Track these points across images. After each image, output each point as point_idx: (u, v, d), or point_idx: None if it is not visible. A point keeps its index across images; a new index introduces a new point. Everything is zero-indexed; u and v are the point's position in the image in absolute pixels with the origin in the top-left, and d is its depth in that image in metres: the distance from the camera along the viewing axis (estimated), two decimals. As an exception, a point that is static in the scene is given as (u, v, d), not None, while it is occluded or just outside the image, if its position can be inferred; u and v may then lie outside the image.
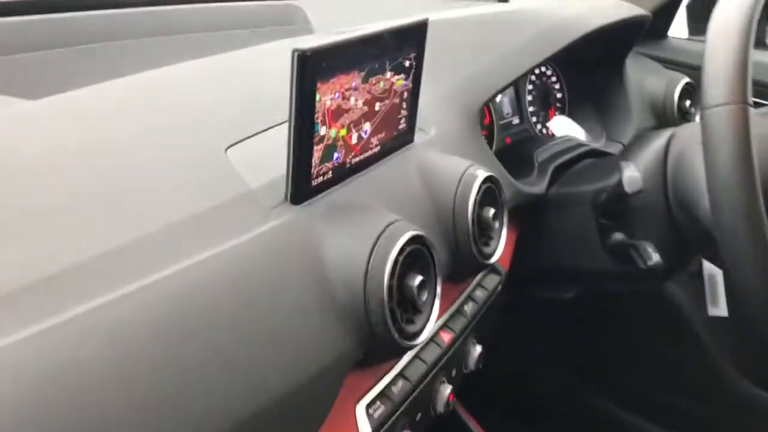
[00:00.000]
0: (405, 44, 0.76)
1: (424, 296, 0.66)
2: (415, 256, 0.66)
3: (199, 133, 0.67)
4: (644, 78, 1.35)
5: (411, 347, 0.65)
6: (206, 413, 0.49)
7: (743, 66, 0.78)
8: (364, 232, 0.63)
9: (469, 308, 0.83)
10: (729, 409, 1.35)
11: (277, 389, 0.54)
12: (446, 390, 0.80)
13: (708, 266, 1.18)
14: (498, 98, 1.19)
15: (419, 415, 0.77)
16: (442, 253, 0.77)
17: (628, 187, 0.89)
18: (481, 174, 0.79)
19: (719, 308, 1.16)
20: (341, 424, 0.62)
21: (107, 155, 0.58)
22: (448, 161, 0.81)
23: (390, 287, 0.61)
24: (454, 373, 0.84)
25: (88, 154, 0.58)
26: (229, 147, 0.66)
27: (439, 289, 0.69)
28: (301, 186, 0.65)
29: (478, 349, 0.87)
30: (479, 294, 0.86)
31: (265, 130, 0.70)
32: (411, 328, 0.65)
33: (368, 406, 0.65)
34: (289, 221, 0.63)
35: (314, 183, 0.67)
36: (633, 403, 1.45)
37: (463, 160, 0.81)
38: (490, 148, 1.17)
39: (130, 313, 0.48)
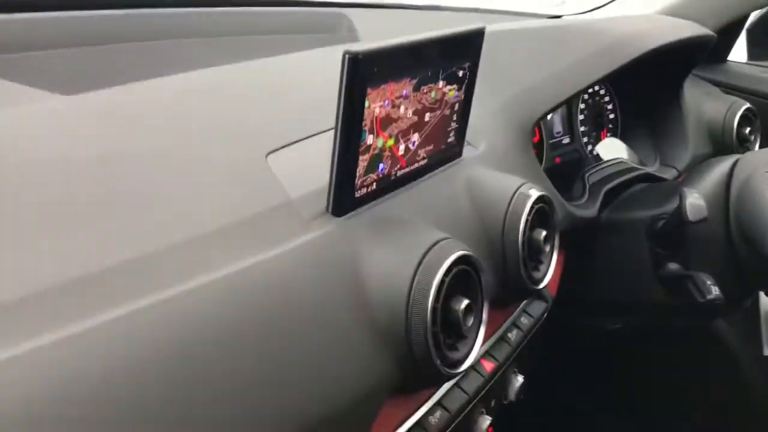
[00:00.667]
0: (459, 53, 0.72)
1: (470, 321, 0.61)
2: (462, 277, 0.62)
3: (239, 139, 0.63)
4: (702, 102, 1.29)
5: (453, 376, 0.60)
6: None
7: None
8: (409, 250, 0.59)
9: (513, 336, 0.78)
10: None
11: (307, 417, 0.50)
12: (485, 422, 0.75)
13: (766, 302, 1.11)
14: (549, 116, 1.14)
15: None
16: (489, 276, 0.73)
17: (692, 216, 0.84)
18: (534, 193, 0.74)
19: (776, 350, 1.09)
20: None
21: (142, 158, 0.55)
22: (499, 178, 0.76)
23: (434, 310, 0.57)
24: (493, 403, 0.79)
25: (122, 155, 0.54)
26: (269, 153, 0.63)
27: (485, 315, 0.64)
28: (344, 197, 0.61)
29: (520, 379, 0.82)
30: (525, 321, 0.81)
31: (308, 137, 0.66)
32: (454, 355, 0.60)
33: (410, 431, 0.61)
34: (329, 233, 0.59)
35: (357, 194, 0.63)
36: None
37: (514, 177, 0.76)
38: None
39: (153, 324, 0.44)
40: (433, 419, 0.64)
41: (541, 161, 1.12)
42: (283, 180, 0.61)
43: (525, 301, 0.83)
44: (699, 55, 1.21)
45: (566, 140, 1.18)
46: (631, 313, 1.05)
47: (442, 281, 0.58)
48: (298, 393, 0.50)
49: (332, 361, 0.53)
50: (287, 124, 0.67)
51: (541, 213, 0.76)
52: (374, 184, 0.65)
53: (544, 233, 0.75)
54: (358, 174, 0.62)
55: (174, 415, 0.43)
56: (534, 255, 0.75)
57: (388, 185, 0.67)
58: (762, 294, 1.13)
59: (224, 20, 0.87)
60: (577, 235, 1.00)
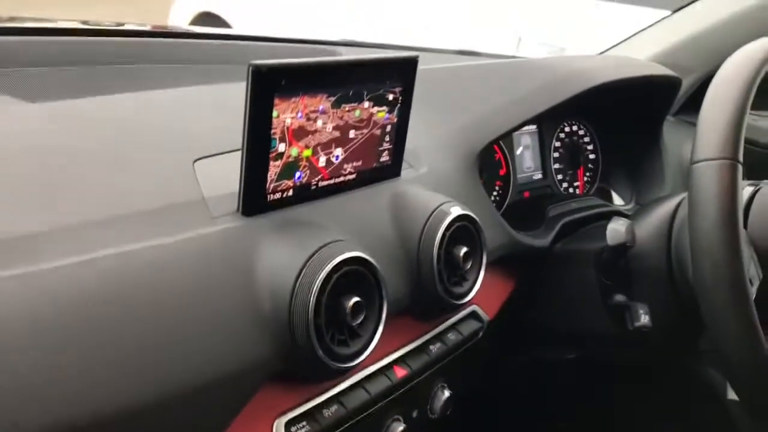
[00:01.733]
0: (388, 77, 0.77)
1: (359, 319, 0.65)
2: (358, 278, 0.66)
3: (172, 144, 0.71)
4: (684, 145, 1.30)
5: (340, 369, 0.64)
6: (99, 390, 0.51)
7: (738, 124, 0.75)
8: (303, 246, 0.64)
9: (435, 348, 0.81)
10: None
11: (180, 382, 0.55)
12: (398, 428, 0.78)
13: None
14: (519, 150, 1.18)
15: (365, 447, 0.75)
16: (404, 287, 0.76)
17: (610, 239, 0.86)
18: (456, 211, 0.78)
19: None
20: (255, 435, 0.62)
21: (77, 151, 0.63)
22: (423, 195, 0.80)
23: (318, 303, 0.61)
24: (415, 414, 0.82)
25: (60, 147, 0.63)
26: (197, 160, 0.70)
27: (383, 315, 0.68)
28: (253, 198, 0.67)
29: (446, 394, 0.84)
30: (452, 337, 0.84)
31: (237, 150, 0.73)
32: (343, 350, 0.64)
33: (290, 423, 0.64)
34: (233, 229, 0.64)
35: (270, 198, 0.69)
36: None
37: (440, 196, 0.80)
38: (505, 199, 1.15)
39: (49, 285, 0.52)
40: (327, 412, 0.67)
41: (507, 193, 1.15)
42: (204, 183, 0.68)
43: (456, 319, 0.86)
44: (668, 96, 1.23)
45: (537, 176, 1.21)
46: (584, 344, 1.06)
47: (328, 276, 0.62)
48: (175, 360, 0.55)
49: (211, 337, 0.58)
50: (223, 137, 0.74)
51: (464, 230, 0.80)
52: (291, 190, 0.71)
53: (464, 249, 0.78)
54: (269, 178, 0.68)
55: (52, 359, 0.50)
56: (453, 270, 0.79)
57: (308, 194, 0.73)
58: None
59: (182, 49, 0.97)
60: (529, 265, 1.03)
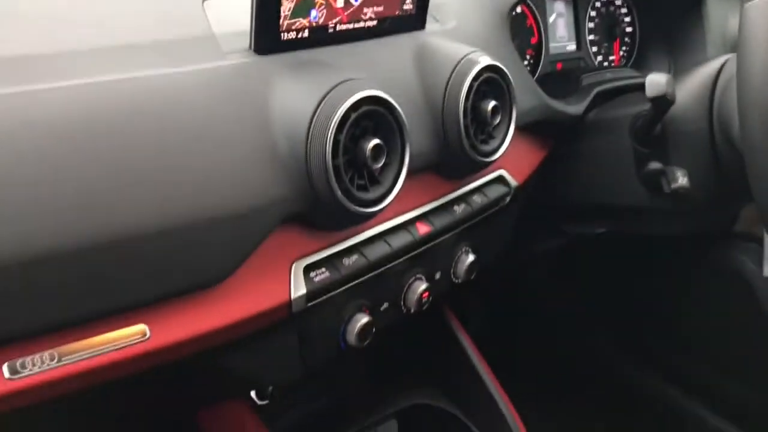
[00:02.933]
0: None
1: (380, 162, 0.62)
2: (378, 122, 0.62)
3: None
4: (729, 16, 1.21)
5: (361, 214, 0.61)
6: (98, 216, 0.49)
7: None
8: (319, 83, 0.60)
9: (460, 209, 0.78)
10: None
11: (185, 215, 0.53)
12: (420, 287, 0.75)
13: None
14: (552, 18, 1.11)
15: (385, 304, 0.73)
16: (428, 141, 0.73)
17: (649, 90, 0.80)
18: (485, 60, 0.73)
19: (773, 269, 1.03)
20: (273, 278, 0.59)
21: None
22: (450, 45, 0.75)
23: (335, 142, 0.58)
24: (438, 275, 0.80)
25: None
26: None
27: (405, 162, 0.64)
28: (266, 34, 0.63)
29: (470, 258, 0.82)
30: (477, 199, 0.80)
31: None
32: (363, 195, 0.61)
33: (309, 268, 0.62)
34: (244, 64, 0.60)
35: (284, 37, 0.64)
36: (672, 378, 1.34)
37: (467, 46, 0.75)
38: (536, 68, 1.09)
39: (51, 103, 0.49)
40: (348, 261, 0.65)
41: (538, 63, 1.09)
42: (214, 22, 0.63)
43: (483, 182, 0.82)
44: None
45: (571, 47, 1.14)
46: (614, 217, 1.02)
47: (346, 115, 0.58)
48: (175, 192, 0.53)
49: (218, 172, 0.55)
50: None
51: (493, 83, 0.75)
52: (306, 31, 0.66)
53: (493, 104, 0.74)
54: (282, 14, 0.63)
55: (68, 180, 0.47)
56: (481, 126, 0.75)
57: (325, 37, 0.68)
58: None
59: None
60: (561, 134, 0.98)
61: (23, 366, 0.46)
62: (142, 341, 0.50)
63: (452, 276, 0.82)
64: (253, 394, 0.82)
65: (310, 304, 0.62)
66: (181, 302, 0.53)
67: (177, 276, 0.52)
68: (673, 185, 0.83)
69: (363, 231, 0.67)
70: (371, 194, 0.62)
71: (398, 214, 0.71)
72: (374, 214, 0.63)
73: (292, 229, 0.62)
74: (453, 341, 0.93)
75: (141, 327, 0.50)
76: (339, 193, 0.59)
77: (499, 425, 0.88)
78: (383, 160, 0.62)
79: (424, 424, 0.91)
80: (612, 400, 1.43)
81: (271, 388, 0.84)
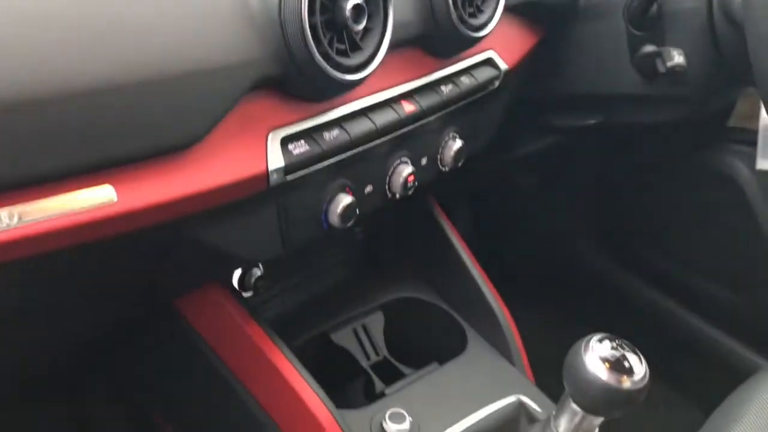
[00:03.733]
0: None
1: (361, 24, 0.58)
2: None
3: None
4: None
5: (341, 81, 0.57)
6: (70, 65, 0.45)
7: None
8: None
9: (447, 89, 0.74)
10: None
11: (160, 64, 0.49)
12: (406, 170, 0.73)
13: (765, 116, 1.02)
14: None
15: (369, 187, 0.71)
16: (413, 11, 0.68)
17: None
18: None
19: (768, 162, 1.01)
20: (248, 147, 0.56)
21: None
22: None
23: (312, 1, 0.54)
24: (424, 161, 0.77)
25: None
26: None
27: (388, 26, 0.60)
28: None
29: (458, 143, 0.79)
30: (465, 80, 0.77)
31: None
32: (344, 60, 0.58)
33: (288, 139, 0.59)
34: None
35: None
36: (655, 280, 1.34)
37: None
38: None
39: None
40: (329, 135, 0.62)
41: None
42: None
43: (471, 63, 0.78)
44: None
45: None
46: (608, 107, 0.99)
47: None
48: (150, 42, 0.49)
49: (191, 25, 0.51)
50: None
51: None
52: None
53: None
54: None
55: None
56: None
57: None
58: (762, 109, 1.04)
59: None
60: (553, 19, 0.93)
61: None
62: (109, 204, 0.47)
63: (439, 163, 0.79)
64: (235, 283, 0.80)
65: (289, 178, 0.59)
66: (151, 166, 0.50)
67: (145, 134, 0.49)
68: (669, 63, 0.80)
69: (344, 104, 0.64)
70: (352, 60, 0.59)
71: (382, 90, 0.68)
72: (355, 82, 0.59)
73: (269, 98, 0.58)
74: (440, 235, 0.91)
75: (107, 188, 0.47)
76: (317, 54, 0.55)
77: (486, 317, 0.87)
78: (364, 22, 0.58)
79: (411, 317, 0.90)
80: (596, 301, 1.44)
81: (254, 279, 0.82)
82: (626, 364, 0.57)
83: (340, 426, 0.68)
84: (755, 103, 1.08)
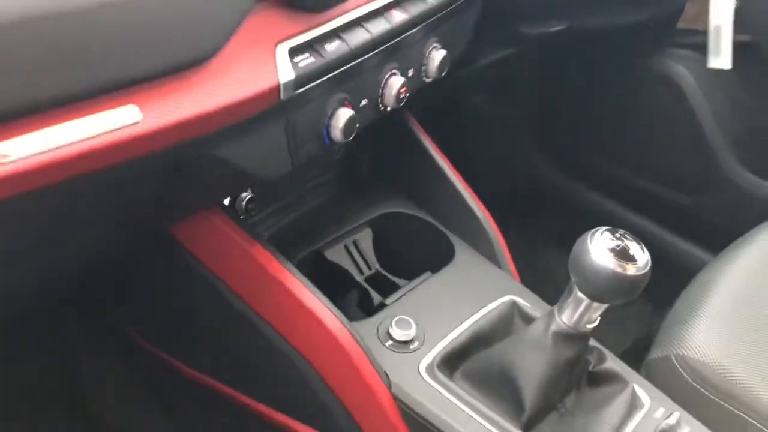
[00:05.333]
0: None
1: None
2: None
3: None
4: None
5: None
6: None
7: None
8: None
9: None
10: (724, 198, 1.30)
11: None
12: (397, 82, 0.73)
13: (715, 17, 1.06)
14: None
15: (365, 100, 0.71)
16: None
17: None
18: None
19: (721, 59, 1.05)
20: (259, 60, 0.55)
21: None
22: None
23: None
24: (411, 72, 0.77)
25: None
26: None
27: None
28: None
29: (442, 53, 0.79)
30: None
31: None
32: None
33: (294, 51, 0.58)
34: None
35: None
36: (609, 186, 1.41)
37: None
38: None
39: None
40: (330, 47, 0.62)
41: None
42: None
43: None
44: None
45: None
46: (574, 12, 1.00)
47: None
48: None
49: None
50: None
51: None
52: None
53: None
54: None
55: None
56: None
57: None
58: (711, 9, 1.07)
59: None
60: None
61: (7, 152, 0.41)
62: (135, 124, 0.46)
63: (424, 74, 0.80)
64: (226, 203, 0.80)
65: (297, 92, 0.59)
66: (171, 84, 0.48)
67: (163, 49, 0.47)
68: None
69: (341, 15, 0.63)
70: None
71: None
72: None
73: (272, 11, 0.57)
74: (420, 149, 0.92)
75: (132, 107, 0.46)
76: None
77: (471, 225, 0.90)
78: None
79: (397, 231, 0.91)
80: (555, 213, 1.50)
81: (244, 202, 0.81)
82: (630, 252, 0.61)
83: (354, 337, 0.70)
84: (703, 4, 1.13)
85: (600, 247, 0.61)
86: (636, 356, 0.89)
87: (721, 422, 0.73)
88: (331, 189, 0.96)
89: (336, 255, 0.86)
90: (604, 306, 0.64)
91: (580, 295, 0.63)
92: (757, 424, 0.74)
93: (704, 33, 1.12)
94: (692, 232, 1.31)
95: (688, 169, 1.34)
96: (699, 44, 1.16)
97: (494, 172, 1.45)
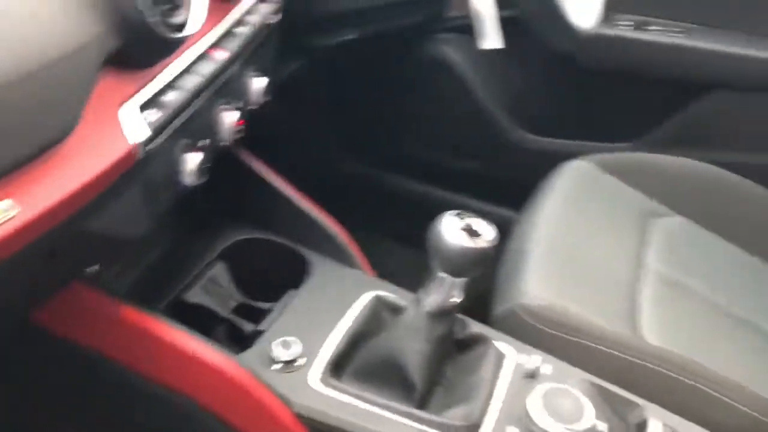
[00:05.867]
0: None
1: None
2: None
3: None
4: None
5: (173, 40, 0.58)
6: None
7: None
8: None
9: (243, 30, 0.77)
10: (514, 160, 1.46)
11: (20, 62, 0.46)
12: (231, 116, 0.75)
13: (475, 2, 1.19)
14: None
15: (207, 140, 0.72)
16: None
17: None
18: None
19: (489, 40, 1.18)
20: (112, 125, 0.55)
21: None
22: None
23: None
24: (240, 104, 0.79)
25: None
26: None
27: None
28: None
29: (262, 80, 0.83)
30: (252, 19, 0.80)
31: None
32: (171, 19, 0.58)
33: (141, 109, 0.59)
34: None
35: None
36: (431, 173, 1.52)
37: None
38: None
39: None
40: (171, 97, 0.63)
41: None
42: None
43: (252, 2, 0.81)
44: None
45: None
46: (363, 21, 1.07)
47: None
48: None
49: (35, 17, 0.48)
50: None
51: None
52: None
53: None
54: None
55: None
56: None
57: None
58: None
59: None
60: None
61: None
62: (15, 215, 0.44)
63: (250, 102, 0.82)
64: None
65: (150, 147, 0.59)
66: (37, 168, 0.47)
67: (24, 133, 0.46)
68: None
69: (173, 63, 0.64)
70: (179, 17, 0.59)
71: (194, 44, 0.69)
72: (182, 39, 0.60)
73: (113, 75, 0.57)
74: (249, 172, 0.94)
75: (7, 202, 0.44)
76: (152, 19, 0.55)
77: (320, 236, 0.94)
78: None
79: (252, 258, 0.93)
80: (366, 202, 1.58)
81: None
82: (476, 228, 0.70)
83: (244, 370, 0.71)
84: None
85: (452, 229, 0.69)
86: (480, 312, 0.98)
87: (573, 355, 0.83)
88: (174, 230, 0.95)
89: (197, 296, 0.86)
90: (465, 280, 0.72)
91: (442, 274, 0.71)
92: (603, 348, 0.86)
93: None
94: (495, 195, 1.46)
95: (478, 140, 1.50)
96: (467, 26, 1.30)
97: (320, 181, 1.50)
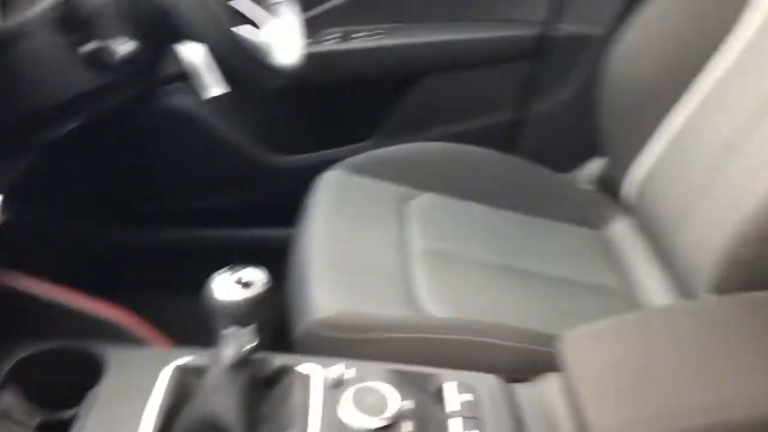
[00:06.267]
0: None
1: None
2: None
3: None
4: None
5: None
6: None
7: None
8: None
9: None
10: (275, 182, 1.53)
11: None
12: None
13: (189, 59, 1.21)
14: None
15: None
16: None
17: None
18: None
19: (212, 89, 1.22)
20: None
21: None
22: None
23: None
24: None
25: None
26: None
27: None
28: None
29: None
30: None
31: None
32: None
33: None
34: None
35: None
36: (178, 219, 1.54)
37: None
38: None
39: None
40: None
41: None
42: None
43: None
44: None
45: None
46: (78, 110, 1.06)
47: None
48: None
49: None
50: None
51: None
52: None
53: None
54: None
55: None
56: None
57: None
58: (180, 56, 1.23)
59: None
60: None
61: None
62: None
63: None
64: None
65: None
66: None
67: None
68: (120, 53, 0.91)
69: None
70: None
71: None
72: None
73: None
74: (12, 290, 0.91)
75: None
76: None
77: (98, 326, 0.92)
78: None
79: (43, 371, 0.89)
80: (144, 266, 1.56)
81: None
82: (246, 278, 0.74)
83: None
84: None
85: (224, 287, 0.73)
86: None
87: (373, 351, 0.89)
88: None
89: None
90: (253, 326, 0.76)
91: (230, 329, 0.75)
92: (396, 335, 0.94)
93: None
94: (271, 219, 1.50)
95: (235, 172, 1.54)
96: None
97: (91, 260, 1.46)
